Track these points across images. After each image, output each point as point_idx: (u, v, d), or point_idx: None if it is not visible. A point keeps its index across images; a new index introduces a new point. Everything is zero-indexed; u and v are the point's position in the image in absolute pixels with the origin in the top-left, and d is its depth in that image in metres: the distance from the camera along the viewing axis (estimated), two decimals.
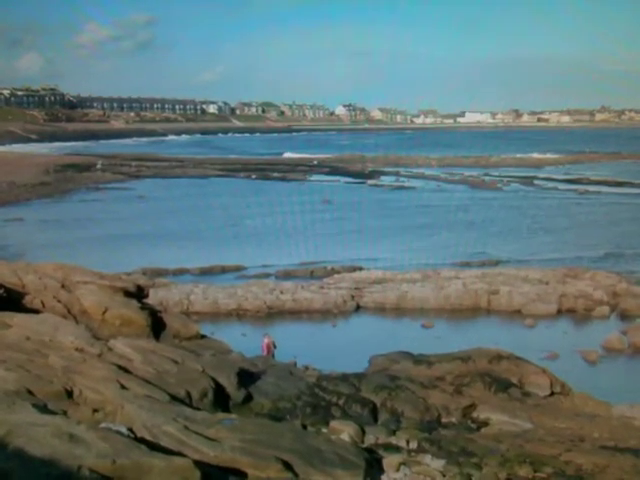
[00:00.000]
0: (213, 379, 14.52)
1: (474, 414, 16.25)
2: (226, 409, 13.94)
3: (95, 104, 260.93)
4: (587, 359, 24.89)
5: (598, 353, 25.38)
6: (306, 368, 20.18)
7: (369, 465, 10.84)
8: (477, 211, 61.63)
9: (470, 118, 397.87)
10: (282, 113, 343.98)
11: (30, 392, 11.67)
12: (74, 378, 12.52)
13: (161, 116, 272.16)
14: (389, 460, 11.69)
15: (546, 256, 42.54)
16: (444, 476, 11.19)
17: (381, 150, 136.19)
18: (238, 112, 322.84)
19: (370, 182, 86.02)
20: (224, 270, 38.27)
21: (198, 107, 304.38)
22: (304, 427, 12.55)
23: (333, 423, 13.57)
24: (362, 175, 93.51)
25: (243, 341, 24.71)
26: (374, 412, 15.85)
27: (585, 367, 24.40)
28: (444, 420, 16.04)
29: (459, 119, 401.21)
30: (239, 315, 30.09)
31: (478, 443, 13.56)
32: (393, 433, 13.94)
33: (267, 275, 36.91)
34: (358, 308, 31.26)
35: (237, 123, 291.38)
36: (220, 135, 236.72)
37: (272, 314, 30.08)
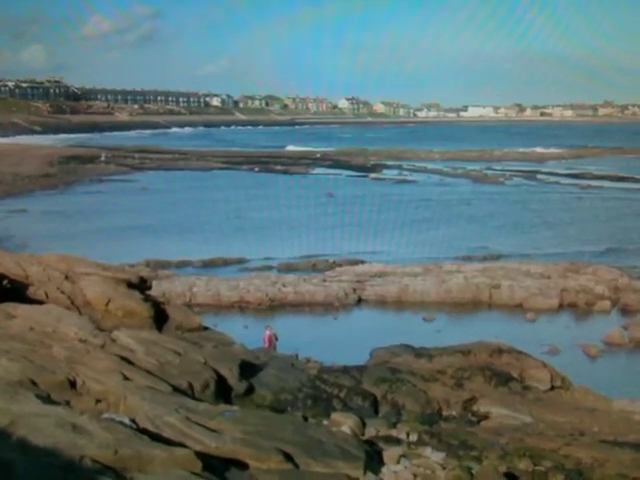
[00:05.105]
0: (215, 371, 14.59)
1: (474, 407, 16.31)
2: (228, 401, 14.00)
3: (99, 96, 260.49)
4: (588, 353, 24.95)
5: (599, 348, 25.44)
6: (307, 360, 20.26)
7: (369, 457, 10.89)
8: (479, 205, 61.67)
9: (473, 112, 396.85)
10: (285, 106, 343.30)
11: (33, 382, 11.74)
12: (77, 369, 12.59)
13: (165, 108, 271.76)
14: (389, 452, 11.74)
15: (548, 250, 42.56)
16: (444, 469, 11.24)
17: (384, 143, 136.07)
18: (241, 105, 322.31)
19: (373, 175, 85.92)
20: (227, 262, 38.34)
21: (202, 100, 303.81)
22: (305, 419, 12.61)
23: (334, 415, 13.61)
24: (365, 168, 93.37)
25: (245, 333, 24.78)
26: (375, 405, 15.92)
27: (586, 361, 24.46)
28: (444, 413, 16.11)
29: (462, 113, 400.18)
30: (241, 307, 30.17)
31: (478, 436, 13.64)
32: (394, 426, 14.01)
33: (269, 268, 36.98)
34: (359, 301, 31.32)
35: (240, 116, 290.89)
36: (223, 128, 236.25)
37: (274, 306, 30.16)
